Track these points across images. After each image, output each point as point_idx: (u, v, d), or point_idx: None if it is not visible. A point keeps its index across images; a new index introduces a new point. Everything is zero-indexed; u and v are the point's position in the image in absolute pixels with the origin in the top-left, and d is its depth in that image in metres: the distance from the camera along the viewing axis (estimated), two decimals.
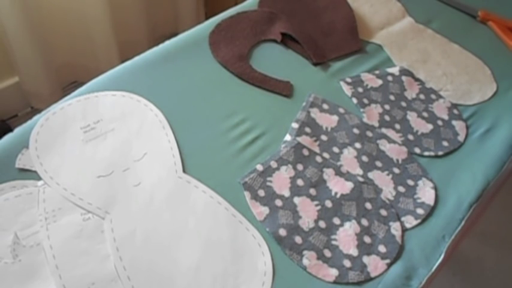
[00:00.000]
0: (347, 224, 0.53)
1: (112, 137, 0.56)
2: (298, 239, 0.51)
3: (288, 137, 0.60)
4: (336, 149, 0.60)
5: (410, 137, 0.64)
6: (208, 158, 0.56)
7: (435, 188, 0.58)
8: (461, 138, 0.65)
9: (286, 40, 0.73)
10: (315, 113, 0.63)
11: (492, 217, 1.24)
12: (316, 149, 0.59)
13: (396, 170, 0.59)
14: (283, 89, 0.66)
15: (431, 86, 0.71)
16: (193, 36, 0.71)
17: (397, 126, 0.65)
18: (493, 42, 0.81)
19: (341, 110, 0.64)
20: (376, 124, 0.64)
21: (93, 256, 0.46)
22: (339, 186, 0.56)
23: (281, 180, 0.55)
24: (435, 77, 0.73)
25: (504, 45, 0.81)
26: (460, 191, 0.58)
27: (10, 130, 0.55)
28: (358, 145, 0.61)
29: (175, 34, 0.72)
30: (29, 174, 0.51)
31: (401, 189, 0.58)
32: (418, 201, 0.57)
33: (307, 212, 0.53)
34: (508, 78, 0.75)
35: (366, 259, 0.51)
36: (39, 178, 0.51)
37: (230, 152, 0.58)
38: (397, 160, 0.60)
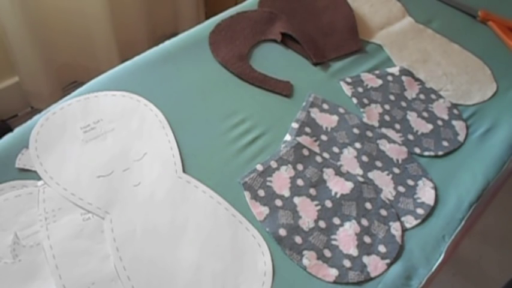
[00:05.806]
0: (347, 224, 0.53)
1: (112, 137, 0.56)
2: (298, 239, 0.51)
3: (288, 137, 0.60)
4: (336, 149, 0.60)
5: (410, 137, 0.64)
6: (208, 158, 0.56)
7: (435, 188, 0.58)
8: (461, 138, 0.65)
9: (286, 40, 0.73)
10: (315, 113, 0.63)
11: (492, 217, 1.24)
12: (316, 149, 0.59)
13: (396, 170, 0.59)
14: (283, 89, 0.66)
15: (431, 86, 0.71)
16: (193, 36, 0.71)
17: (397, 126, 0.65)
18: (493, 42, 0.81)
19: (341, 110, 0.64)
20: (376, 124, 0.64)
21: (93, 256, 0.46)
22: (339, 186, 0.56)
23: (281, 180, 0.55)
24: (435, 77, 0.73)
25: (504, 45, 0.81)
26: (460, 191, 0.58)
27: (10, 130, 0.55)
28: (358, 145, 0.61)
29: (175, 34, 0.72)
30: (29, 174, 0.51)
31: (401, 189, 0.58)
32: (418, 201, 0.57)
33: (307, 212, 0.53)
34: (508, 78, 0.75)
35: (365, 259, 0.51)
36: (39, 178, 0.51)
37: (230, 152, 0.58)
38: (397, 160, 0.60)
